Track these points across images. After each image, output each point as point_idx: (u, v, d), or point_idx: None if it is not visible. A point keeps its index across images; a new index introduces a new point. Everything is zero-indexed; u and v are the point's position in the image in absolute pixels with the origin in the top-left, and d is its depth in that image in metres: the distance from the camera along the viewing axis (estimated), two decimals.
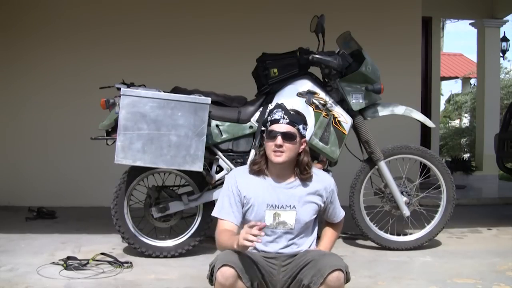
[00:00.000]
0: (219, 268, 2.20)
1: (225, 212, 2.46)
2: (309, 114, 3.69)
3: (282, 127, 2.42)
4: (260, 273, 2.35)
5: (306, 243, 2.50)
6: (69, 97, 5.92)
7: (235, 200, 2.46)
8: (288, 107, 2.51)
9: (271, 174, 2.49)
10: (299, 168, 2.49)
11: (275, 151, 2.41)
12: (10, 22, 5.96)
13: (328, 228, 2.66)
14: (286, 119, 2.43)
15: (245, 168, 2.57)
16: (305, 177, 2.48)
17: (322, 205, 2.52)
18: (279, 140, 2.40)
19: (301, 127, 2.46)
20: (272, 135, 2.42)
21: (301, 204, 2.46)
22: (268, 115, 2.53)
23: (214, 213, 2.52)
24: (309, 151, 2.56)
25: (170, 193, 3.83)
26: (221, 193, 2.54)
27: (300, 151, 2.47)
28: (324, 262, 2.24)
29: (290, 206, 2.44)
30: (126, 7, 6.06)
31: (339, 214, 2.63)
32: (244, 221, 2.49)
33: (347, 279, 2.26)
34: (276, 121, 2.43)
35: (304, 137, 2.49)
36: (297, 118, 2.46)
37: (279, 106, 2.52)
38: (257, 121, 3.78)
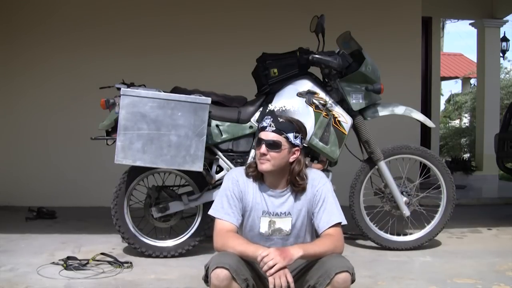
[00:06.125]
0: (213, 270, 2.16)
1: (225, 212, 2.39)
2: (309, 114, 3.69)
3: (268, 135, 2.36)
4: (256, 274, 2.31)
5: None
6: (69, 97, 5.92)
7: (234, 201, 2.40)
8: (283, 114, 2.41)
9: (266, 181, 2.45)
10: (291, 178, 2.42)
11: (260, 159, 2.38)
12: (8, 21, 5.95)
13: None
14: (273, 127, 2.36)
15: (242, 171, 2.51)
16: (297, 189, 2.42)
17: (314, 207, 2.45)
18: (263, 148, 2.36)
19: (291, 135, 2.37)
20: (258, 143, 2.40)
21: (296, 211, 2.42)
22: (261, 121, 2.48)
23: (211, 212, 2.43)
24: (302, 161, 2.44)
25: (170, 193, 3.83)
26: (220, 192, 2.47)
27: (291, 160, 2.40)
28: (331, 263, 2.23)
29: (285, 213, 2.42)
30: (125, 6, 6.05)
31: (331, 218, 2.38)
32: (239, 226, 2.45)
33: (352, 280, 2.26)
34: (264, 129, 2.39)
35: (296, 146, 2.40)
36: (286, 126, 2.38)
37: (270, 113, 2.44)
38: (257, 121, 3.77)
